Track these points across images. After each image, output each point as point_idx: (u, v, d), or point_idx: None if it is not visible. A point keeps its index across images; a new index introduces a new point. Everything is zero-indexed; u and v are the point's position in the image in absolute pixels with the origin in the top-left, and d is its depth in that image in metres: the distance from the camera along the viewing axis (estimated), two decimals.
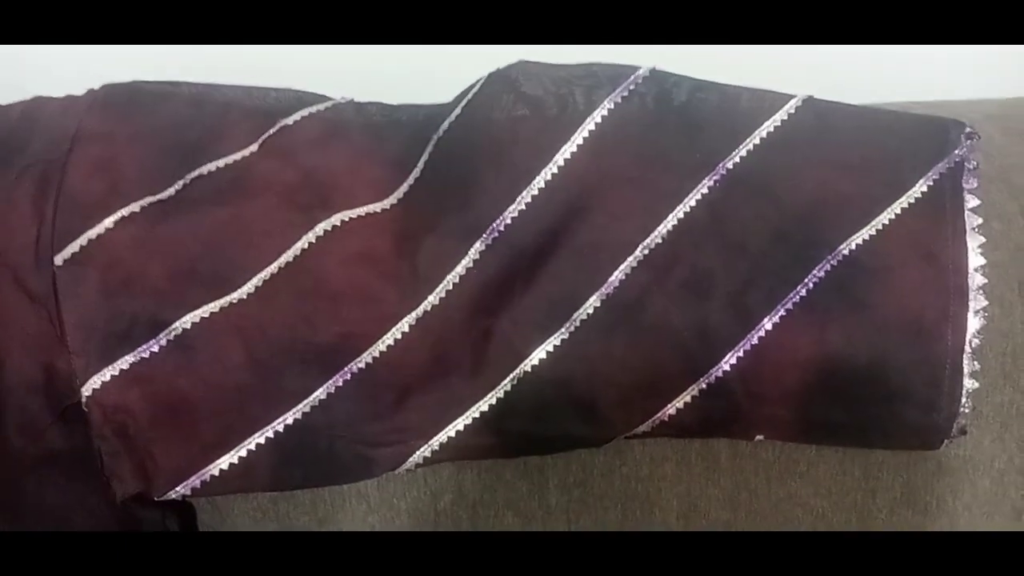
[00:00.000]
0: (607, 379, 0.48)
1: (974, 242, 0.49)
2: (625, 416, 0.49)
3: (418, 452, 0.49)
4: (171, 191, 0.50)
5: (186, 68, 0.59)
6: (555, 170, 0.49)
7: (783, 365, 0.48)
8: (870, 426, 0.50)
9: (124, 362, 0.47)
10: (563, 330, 0.48)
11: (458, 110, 0.52)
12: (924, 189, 0.50)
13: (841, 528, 0.53)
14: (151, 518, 0.49)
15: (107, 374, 0.47)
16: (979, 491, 0.53)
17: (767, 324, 0.48)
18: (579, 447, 0.51)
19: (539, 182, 0.48)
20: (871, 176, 0.50)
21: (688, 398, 0.49)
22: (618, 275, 0.48)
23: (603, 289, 0.48)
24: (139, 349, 0.47)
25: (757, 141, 0.50)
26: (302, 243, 0.49)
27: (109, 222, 0.49)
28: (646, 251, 0.48)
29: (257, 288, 0.48)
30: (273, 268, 0.49)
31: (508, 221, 0.48)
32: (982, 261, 0.48)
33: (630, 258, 0.48)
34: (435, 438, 0.49)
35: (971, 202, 0.50)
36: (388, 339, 0.48)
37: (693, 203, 0.49)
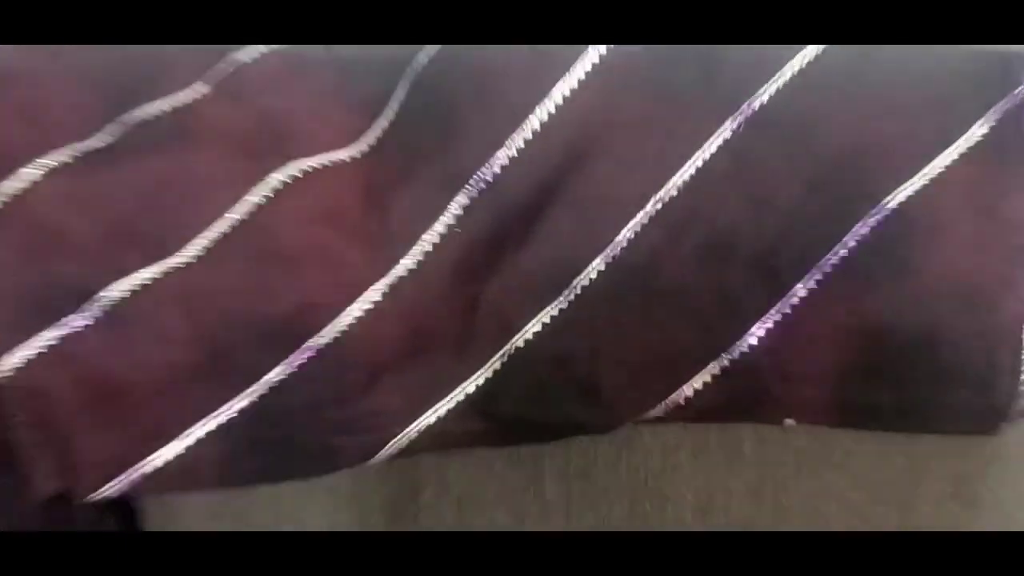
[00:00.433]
0: (613, 355, 0.43)
1: None
2: (635, 399, 0.43)
3: (394, 441, 0.43)
4: (106, 138, 0.45)
5: None
6: (552, 108, 0.42)
7: (818, 338, 0.43)
8: (917, 408, 0.45)
9: (47, 338, 0.41)
10: (562, 298, 0.43)
11: None
12: (984, 132, 0.44)
13: (880, 524, 0.47)
14: (86, 518, 0.43)
15: (26, 352, 0.41)
16: None
17: (800, 291, 0.43)
18: (581, 434, 0.46)
19: (533, 123, 0.42)
20: (921, 117, 0.44)
21: (708, 377, 0.43)
22: (626, 234, 0.43)
23: (608, 250, 0.43)
24: (65, 322, 0.41)
25: (788, 77, 0.44)
26: (255, 197, 0.43)
27: (32, 174, 0.43)
28: (659, 205, 0.43)
29: (204, 251, 0.43)
30: (222, 227, 0.43)
31: (496, 169, 0.42)
32: None
33: (640, 214, 0.43)
34: (413, 424, 0.43)
35: None
36: (356, 310, 0.42)
37: (713, 149, 0.43)
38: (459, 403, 0.43)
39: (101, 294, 0.41)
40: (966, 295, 0.43)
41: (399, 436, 0.43)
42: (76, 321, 0.41)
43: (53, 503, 0.42)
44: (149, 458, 0.42)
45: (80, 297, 0.42)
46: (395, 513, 0.50)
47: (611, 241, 0.43)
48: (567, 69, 0.43)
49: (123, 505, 0.45)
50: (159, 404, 0.42)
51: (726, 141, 0.43)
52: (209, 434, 0.42)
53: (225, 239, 0.43)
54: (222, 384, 0.42)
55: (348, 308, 0.42)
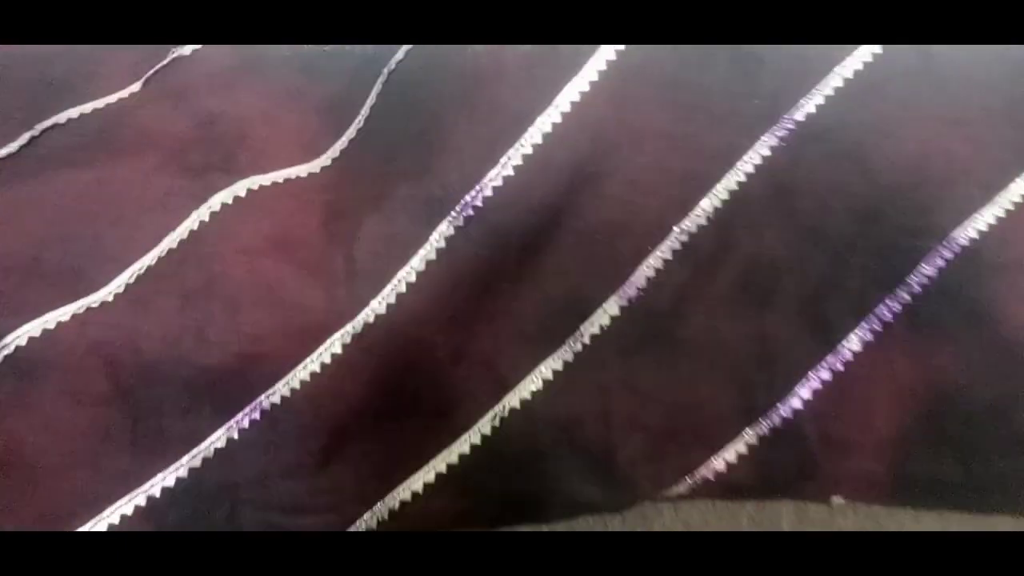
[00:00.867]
0: (630, 420, 0.37)
1: None
2: (655, 473, 0.37)
3: (358, 522, 0.36)
4: (13, 146, 0.40)
5: None
6: (557, 118, 0.36)
7: (874, 400, 0.38)
8: (990, 484, 0.39)
9: None
10: (566, 348, 0.37)
11: None
12: None
13: None
14: None
15: None
16: None
17: (853, 343, 0.37)
18: (588, 514, 0.39)
19: (533, 135, 0.36)
20: (995, 134, 0.39)
21: (743, 447, 0.37)
22: (644, 271, 0.37)
23: (623, 290, 0.37)
24: None
25: (839, 83, 0.38)
26: (191, 222, 0.37)
27: None
28: (684, 237, 0.37)
29: (127, 287, 0.36)
30: (150, 259, 0.37)
31: (488, 192, 0.35)
32: None
33: (662, 247, 0.37)
34: (381, 502, 0.36)
35: None
36: (313, 363, 0.36)
37: (750, 169, 0.37)
38: (438, 477, 0.37)
39: (5, 340, 0.35)
40: None
41: (364, 517, 0.36)
42: None
43: None
44: None
45: None
46: None
47: (626, 279, 0.37)
48: (575, 71, 0.36)
49: None
50: (68, 477, 0.35)
51: (765, 159, 0.37)
52: (126, 517, 0.35)
53: (153, 272, 0.36)
54: (148, 451, 0.36)
55: (303, 360, 0.36)
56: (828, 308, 0.37)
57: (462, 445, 0.37)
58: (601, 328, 0.36)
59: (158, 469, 0.35)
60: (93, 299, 0.36)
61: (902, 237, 0.37)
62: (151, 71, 0.40)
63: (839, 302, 0.37)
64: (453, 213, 0.36)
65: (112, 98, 0.40)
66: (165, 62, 0.40)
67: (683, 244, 0.36)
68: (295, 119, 0.39)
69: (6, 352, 0.35)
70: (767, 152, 0.37)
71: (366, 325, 0.36)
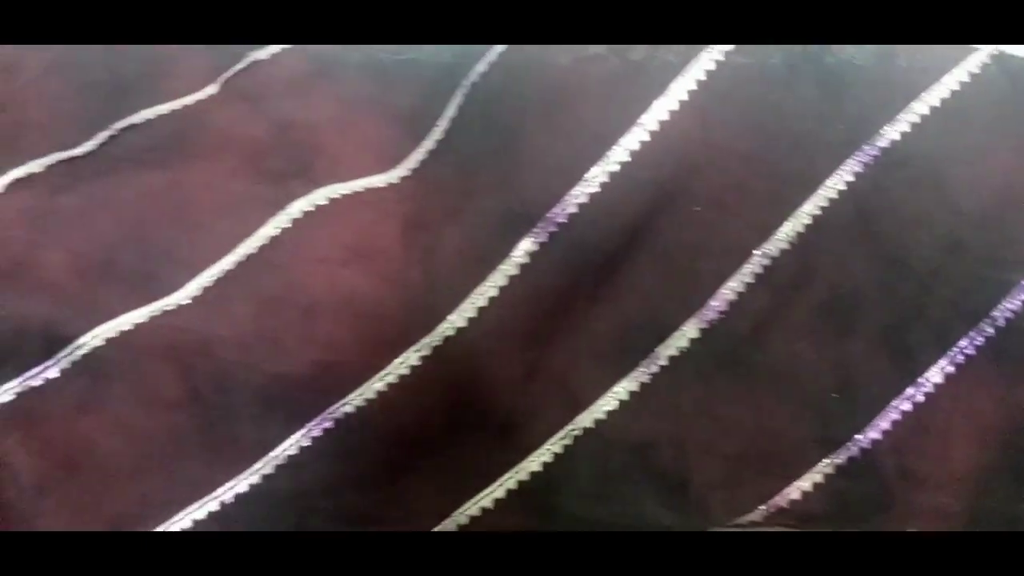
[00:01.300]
0: (705, 445, 0.36)
1: None
2: (728, 499, 0.37)
3: None
4: (89, 146, 0.39)
5: None
6: (645, 137, 0.35)
7: (953, 434, 0.37)
8: None
9: (5, 391, 0.35)
10: (643, 370, 0.37)
11: (501, 47, 0.38)
12: None
13: None
14: None
15: None
16: None
17: (935, 375, 0.37)
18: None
19: (620, 154, 0.35)
20: None
21: (819, 477, 0.37)
22: (725, 294, 0.36)
23: (702, 313, 0.36)
24: (28, 374, 0.35)
25: (925, 110, 0.38)
26: (270, 229, 0.36)
27: None
28: (766, 261, 0.37)
29: (202, 291, 0.36)
30: (226, 263, 0.37)
31: (572, 209, 0.35)
32: None
33: (744, 270, 0.36)
34: (451, 517, 0.36)
35: None
36: (389, 375, 0.36)
37: (833, 195, 0.37)
38: (508, 493, 0.37)
39: (78, 340, 0.35)
40: None
41: (433, 531, 0.36)
42: (43, 372, 0.35)
43: None
44: None
45: (48, 342, 0.35)
46: None
47: (706, 302, 0.36)
48: (662, 91, 0.36)
49: None
50: (140, 482, 0.35)
51: (849, 185, 0.37)
52: (199, 522, 0.35)
53: (230, 277, 0.36)
54: (220, 458, 0.36)
55: (380, 371, 0.35)
56: (910, 338, 0.36)
57: (533, 463, 0.36)
58: (679, 350, 0.36)
59: (231, 475, 0.35)
60: (168, 302, 0.36)
61: (987, 269, 0.37)
62: (228, 73, 0.40)
63: (922, 333, 0.36)
64: (536, 229, 0.35)
65: (189, 100, 0.40)
66: (242, 65, 0.40)
67: (764, 268, 0.36)
68: (371, 128, 0.39)
69: (82, 352, 0.35)
70: (850, 178, 0.37)
71: (446, 339, 0.35)
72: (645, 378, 0.36)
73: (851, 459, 0.36)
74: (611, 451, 0.36)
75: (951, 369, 0.36)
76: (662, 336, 0.36)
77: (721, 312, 0.36)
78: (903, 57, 0.39)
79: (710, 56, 0.36)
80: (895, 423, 0.36)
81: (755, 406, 0.36)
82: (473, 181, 0.37)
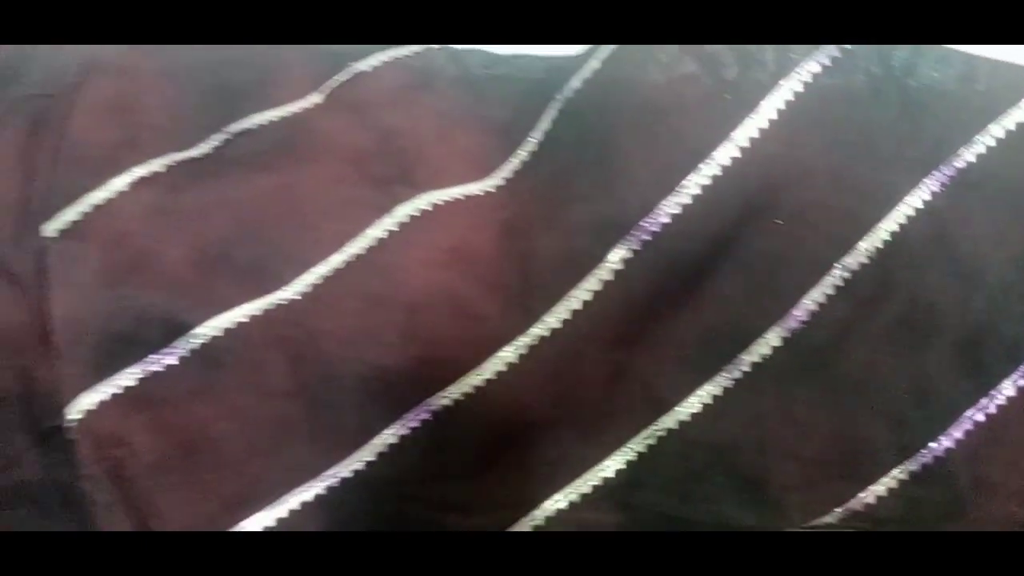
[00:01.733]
0: (785, 449, 0.38)
1: None
2: (805, 501, 0.38)
3: (514, 527, 0.38)
4: (206, 147, 0.41)
5: None
6: (736, 152, 0.37)
7: None
8: None
9: (127, 376, 0.37)
10: (726, 375, 0.38)
11: (595, 63, 0.40)
12: None
13: None
14: None
15: (103, 391, 0.37)
16: None
17: (1008, 388, 0.38)
18: None
19: (712, 168, 0.37)
20: None
21: (894, 483, 0.38)
22: (807, 304, 0.38)
23: (785, 323, 0.38)
24: (148, 360, 0.37)
25: (1001, 133, 0.39)
26: (376, 231, 0.38)
27: (121, 183, 0.39)
28: (847, 274, 0.38)
29: (312, 287, 0.38)
30: (335, 262, 0.38)
31: (665, 219, 0.37)
32: None
33: (825, 282, 0.38)
34: (539, 509, 0.38)
35: None
36: (486, 371, 0.37)
37: (912, 211, 0.38)
38: (594, 489, 0.38)
39: (195, 330, 0.37)
40: None
41: (520, 522, 0.38)
42: (162, 359, 0.37)
43: None
44: (240, 525, 0.37)
45: (168, 331, 0.37)
46: None
47: (788, 312, 0.38)
48: (753, 109, 0.38)
49: None
50: (251, 465, 0.37)
51: (926, 203, 0.38)
52: (306, 504, 0.37)
53: (338, 275, 0.38)
54: (324, 445, 0.37)
55: (476, 367, 0.37)
56: (984, 352, 0.38)
57: (618, 460, 0.38)
58: (762, 357, 0.38)
59: (334, 461, 0.37)
60: (279, 297, 0.38)
61: None
62: (332, 84, 0.43)
63: (995, 347, 0.38)
64: (630, 236, 0.37)
65: (295, 107, 0.42)
66: (346, 76, 0.43)
67: (845, 281, 0.38)
68: (467, 138, 0.41)
69: (199, 341, 0.37)
70: (928, 196, 0.38)
71: (539, 339, 0.37)
72: (728, 383, 0.38)
73: (925, 466, 0.38)
74: (693, 452, 0.38)
75: (1023, 383, 0.38)
76: (745, 343, 0.38)
77: (802, 322, 0.38)
78: (982, 82, 0.40)
79: (799, 77, 0.38)
80: (968, 432, 0.37)
81: (833, 412, 0.37)
82: (568, 191, 0.39)
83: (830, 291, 0.38)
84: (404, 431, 0.37)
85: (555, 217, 0.39)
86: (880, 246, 0.38)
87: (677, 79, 0.39)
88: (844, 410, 0.37)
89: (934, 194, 0.38)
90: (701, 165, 0.37)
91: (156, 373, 0.37)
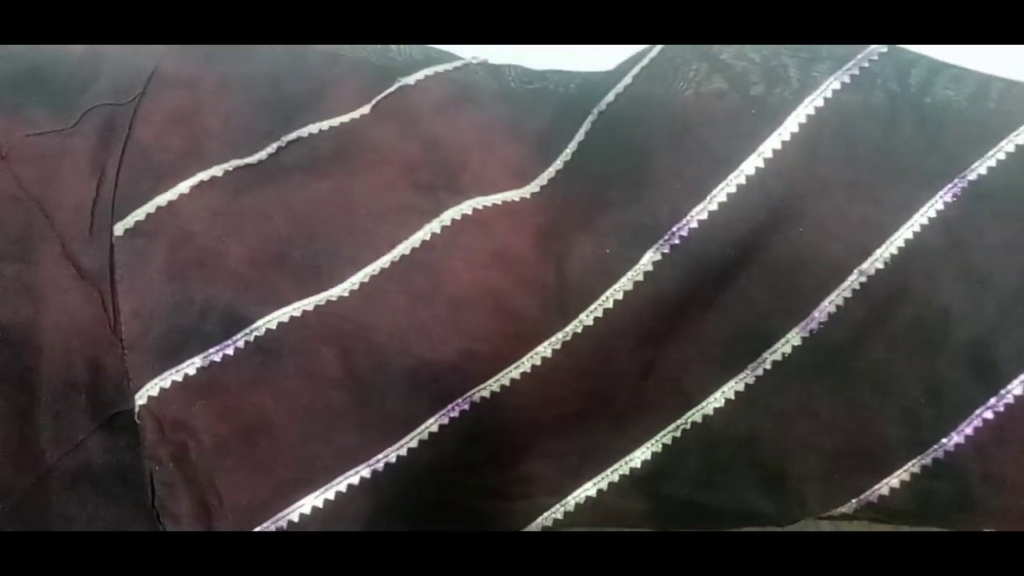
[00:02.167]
0: (804, 442, 0.40)
1: None
2: (823, 492, 0.41)
3: (546, 513, 0.41)
4: (262, 154, 0.44)
5: None
6: (760, 163, 0.40)
7: None
8: None
9: (190, 365, 0.40)
10: (749, 372, 0.41)
11: (628, 79, 0.43)
12: None
13: None
14: None
15: (168, 379, 0.39)
16: None
17: (1017, 388, 0.40)
18: (756, 525, 0.42)
19: (738, 177, 0.40)
20: None
21: (906, 475, 0.40)
22: (827, 306, 0.40)
23: (806, 323, 0.40)
24: (210, 350, 0.40)
25: (1011, 148, 0.42)
26: (423, 233, 0.41)
27: (184, 187, 0.42)
28: (864, 278, 0.40)
29: (362, 285, 0.41)
30: (384, 261, 0.41)
31: (694, 224, 0.40)
32: None
33: (843, 285, 0.41)
34: (570, 496, 0.41)
35: None
36: (523, 365, 0.40)
37: (925, 220, 0.41)
38: (622, 478, 0.41)
39: (254, 323, 0.40)
40: None
41: (552, 509, 0.41)
42: (223, 350, 0.40)
43: None
44: (290, 507, 0.40)
45: (229, 324, 0.40)
46: None
47: (809, 313, 0.40)
48: (779, 123, 0.40)
49: None
50: (304, 448, 0.40)
51: (939, 212, 0.41)
52: (353, 487, 0.40)
53: (387, 273, 0.41)
54: (372, 431, 0.40)
55: (515, 362, 0.40)
56: (994, 354, 0.40)
57: (645, 452, 0.41)
58: (783, 356, 0.40)
59: (381, 447, 0.40)
60: (332, 293, 0.41)
61: None
62: (380, 96, 0.45)
63: (1005, 349, 0.40)
64: (661, 241, 0.40)
65: (345, 118, 0.45)
66: (392, 89, 0.46)
67: (862, 285, 0.40)
68: (508, 148, 0.44)
69: (257, 334, 0.40)
70: (941, 207, 0.41)
71: (574, 335, 0.40)
72: (751, 379, 0.40)
73: (936, 460, 0.40)
74: (717, 444, 0.41)
75: None
76: (768, 342, 0.40)
77: (822, 323, 0.40)
78: (994, 100, 0.43)
79: (821, 93, 0.41)
80: (978, 429, 0.40)
81: (850, 408, 0.40)
82: (602, 197, 0.42)
83: (848, 294, 0.40)
84: (445, 420, 0.40)
85: (590, 222, 0.41)
86: (896, 253, 0.40)
87: (706, 94, 0.42)
88: (860, 406, 0.40)
89: (947, 204, 0.41)
90: (729, 175, 0.40)
91: (217, 363, 0.40)
